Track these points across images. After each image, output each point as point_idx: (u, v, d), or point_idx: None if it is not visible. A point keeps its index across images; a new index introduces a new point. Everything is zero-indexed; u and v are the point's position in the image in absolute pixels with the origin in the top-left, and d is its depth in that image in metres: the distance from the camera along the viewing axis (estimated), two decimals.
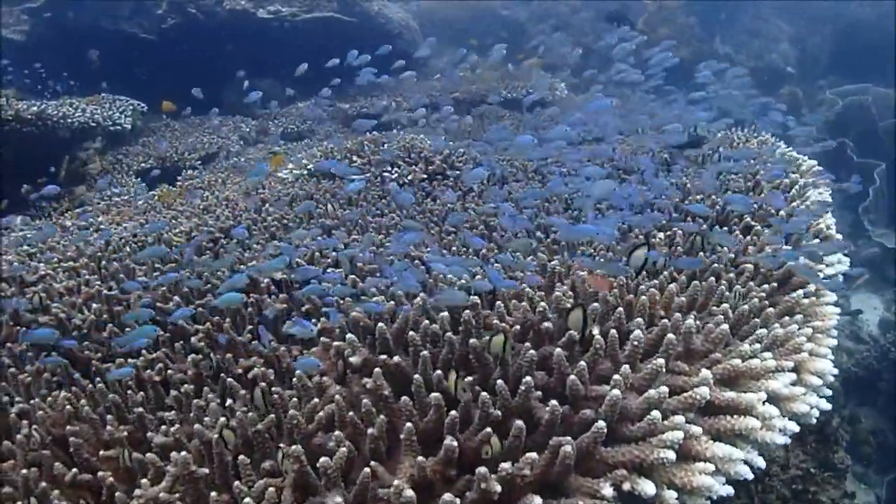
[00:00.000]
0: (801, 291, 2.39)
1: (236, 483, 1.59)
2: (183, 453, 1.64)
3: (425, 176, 4.24)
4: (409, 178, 4.20)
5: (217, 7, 7.70)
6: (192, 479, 1.61)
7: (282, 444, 1.62)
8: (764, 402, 1.70)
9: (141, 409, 2.01)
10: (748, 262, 2.53)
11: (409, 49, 8.98)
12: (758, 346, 1.90)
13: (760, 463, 1.64)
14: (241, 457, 1.57)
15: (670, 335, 1.78)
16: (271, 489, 1.54)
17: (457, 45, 10.58)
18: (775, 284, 2.44)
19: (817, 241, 2.77)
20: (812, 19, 11.29)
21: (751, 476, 1.58)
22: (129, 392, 2.11)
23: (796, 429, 1.73)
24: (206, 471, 1.64)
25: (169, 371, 2.20)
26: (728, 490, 1.54)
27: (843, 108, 8.23)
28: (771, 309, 2.20)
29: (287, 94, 5.29)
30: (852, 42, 10.44)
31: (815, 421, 1.87)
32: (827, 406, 1.95)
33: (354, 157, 4.55)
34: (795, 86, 10.11)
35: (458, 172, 4.20)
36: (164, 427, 1.92)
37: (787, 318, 2.30)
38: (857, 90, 8.59)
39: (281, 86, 6.91)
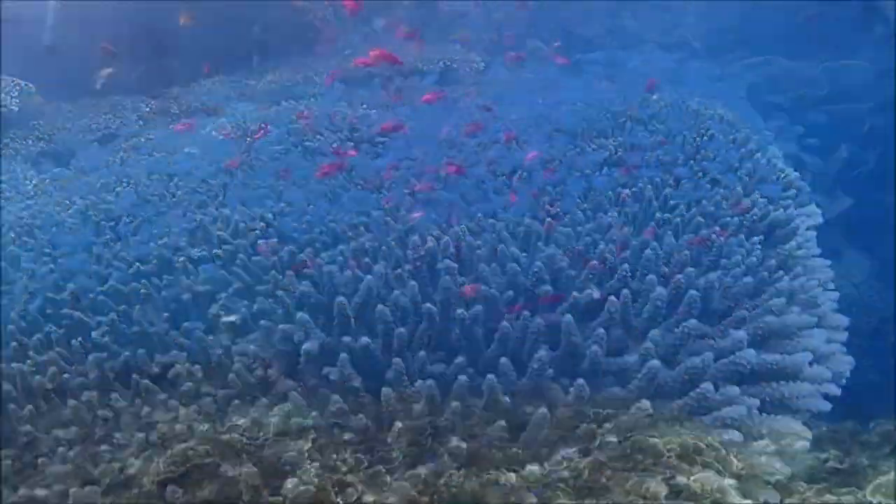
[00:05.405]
0: (793, 243, 2.19)
1: None
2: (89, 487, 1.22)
3: (351, 143, 3.90)
4: (334, 145, 3.82)
5: None
6: None
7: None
8: (811, 364, 1.44)
9: (29, 427, 1.55)
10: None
11: (319, 23, 8.46)
12: (783, 300, 1.64)
13: (808, 436, 1.38)
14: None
15: (692, 291, 1.49)
16: None
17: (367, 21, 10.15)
18: (762, 237, 2.22)
19: (793, 191, 2.59)
20: None
21: (807, 456, 1.31)
22: (12, 405, 1.65)
23: (838, 392, 1.49)
24: None
25: (65, 375, 1.74)
26: (787, 471, 1.26)
27: (751, 81, 8.43)
28: (773, 261, 1.97)
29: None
30: (759, 17, 10.69)
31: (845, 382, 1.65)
32: (852, 363, 1.73)
33: (269, 127, 4.11)
34: (704, 59, 10.25)
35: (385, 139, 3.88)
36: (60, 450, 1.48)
37: (781, 271, 2.10)
38: (762, 62, 8.82)
39: (183, 64, 6.32)
